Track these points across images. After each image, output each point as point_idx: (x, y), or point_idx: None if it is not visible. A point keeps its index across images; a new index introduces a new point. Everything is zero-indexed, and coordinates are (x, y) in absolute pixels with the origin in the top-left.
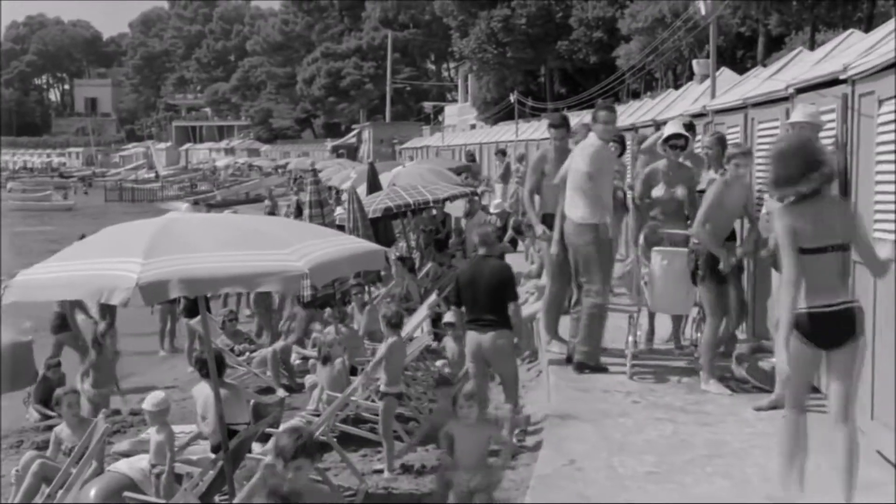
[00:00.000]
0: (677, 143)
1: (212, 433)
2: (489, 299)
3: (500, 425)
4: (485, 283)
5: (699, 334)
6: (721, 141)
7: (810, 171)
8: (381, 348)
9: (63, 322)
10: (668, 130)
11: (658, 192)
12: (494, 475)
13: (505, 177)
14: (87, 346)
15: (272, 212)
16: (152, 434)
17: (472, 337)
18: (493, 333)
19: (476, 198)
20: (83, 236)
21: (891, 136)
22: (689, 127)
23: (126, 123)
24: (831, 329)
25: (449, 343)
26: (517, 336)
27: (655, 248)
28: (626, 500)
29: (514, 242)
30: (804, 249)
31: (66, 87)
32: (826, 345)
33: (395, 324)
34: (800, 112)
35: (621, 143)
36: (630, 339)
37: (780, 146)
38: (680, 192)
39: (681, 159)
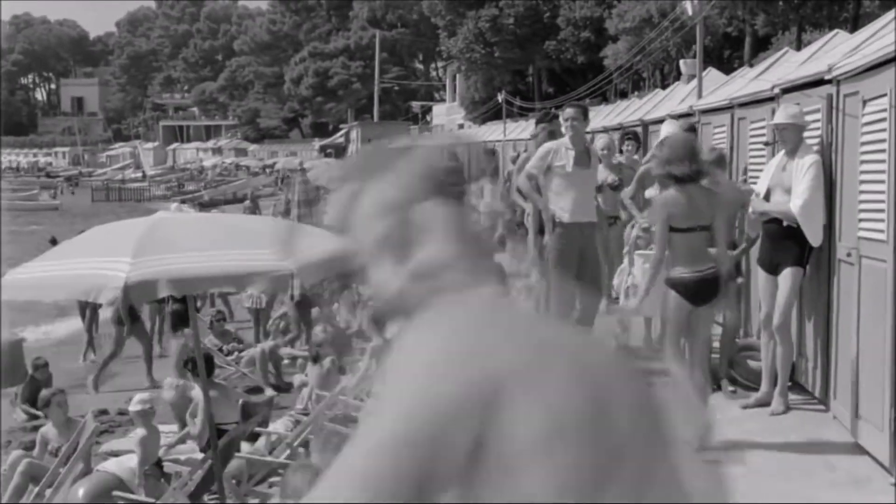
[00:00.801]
0: None
1: (199, 434)
2: None
3: None
4: None
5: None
6: None
7: (687, 159)
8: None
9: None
10: (664, 131)
11: (651, 192)
12: None
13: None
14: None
15: (253, 213)
16: (138, 434)
17: None
18: None
19: None
20: (54, 240)
21: (875, 136)
22: (691, 130)
23: (113, 123)
24: (702, 290)
25: None
26: None
27: (638, 252)
28: None
29: (502, 241)
30: (677, 228)
31: (53, 86)
32: (698, 302)
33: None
34: (781, 114)
35: (635, 139)
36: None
37: (671, 139)
38: None
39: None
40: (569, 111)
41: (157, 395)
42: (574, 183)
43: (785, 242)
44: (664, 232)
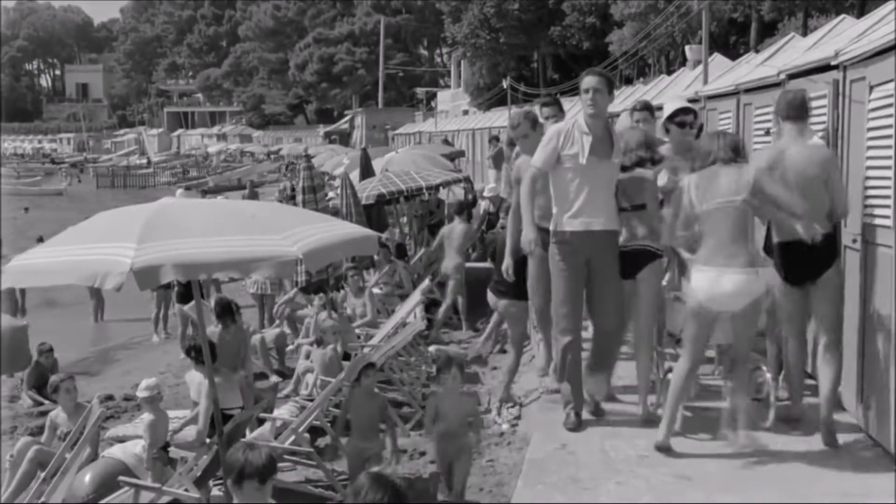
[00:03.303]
0: (685, 120)
1: (197, 417)
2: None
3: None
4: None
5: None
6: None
7: (633, 149)
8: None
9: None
10: (670, 107)
11: (661, 181)
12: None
13: (497, 162)
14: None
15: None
16: (145, 419)
17: (491, 297)
18: (505, 302)
19: (469, 185)
20: (41, 238)
21: (881, 122)
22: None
23: (117, 109)
24: (624, 263)
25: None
26: None
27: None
28: (618, 483)
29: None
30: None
31: (58, 72)
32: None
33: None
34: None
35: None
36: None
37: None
38: None
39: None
40: (589, 79)
41: (163, 380)
42: (588, 178)
43: None
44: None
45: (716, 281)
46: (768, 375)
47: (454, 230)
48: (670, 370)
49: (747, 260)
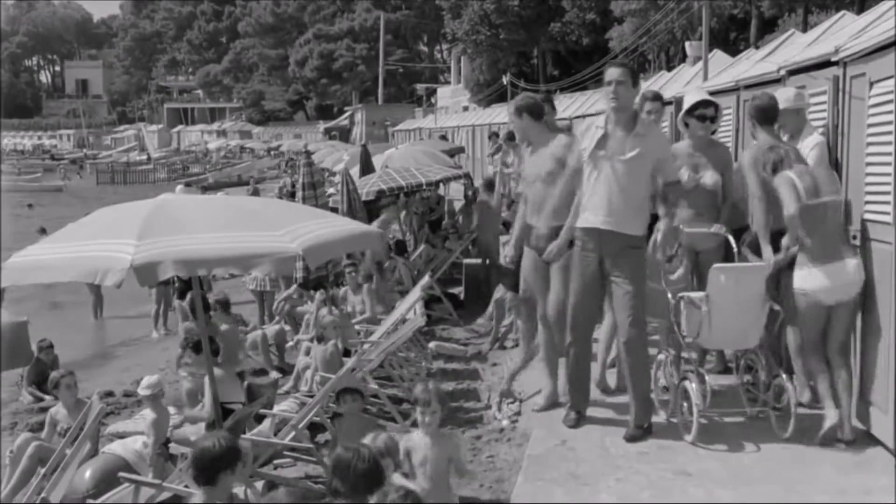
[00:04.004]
0: (706, 114)
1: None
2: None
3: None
4: None
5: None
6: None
7: None
8: None
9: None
10: (690, 99)
11: (682, 176)
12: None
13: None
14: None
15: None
16: (147, 416)
17: (499, 287)
18: (511, 294)
19: (469, 181)
20: (43, 230)
21: (882, 119)
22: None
23: (117, 105)
24: None
25: None
26: None
27: (717, 266)
28: (618, 479)
29: (506, 224)
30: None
31: (57, 68)
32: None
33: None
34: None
35: (659, 99)
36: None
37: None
38: (710, 178)
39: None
40: (611, 71)
41: (163, 376)
42: (594, 174)
43: None
44: None
45: (836, 270)
46: (788, 385)
47: (490, 207)
48: (686, 377)
49: (853, 249)
